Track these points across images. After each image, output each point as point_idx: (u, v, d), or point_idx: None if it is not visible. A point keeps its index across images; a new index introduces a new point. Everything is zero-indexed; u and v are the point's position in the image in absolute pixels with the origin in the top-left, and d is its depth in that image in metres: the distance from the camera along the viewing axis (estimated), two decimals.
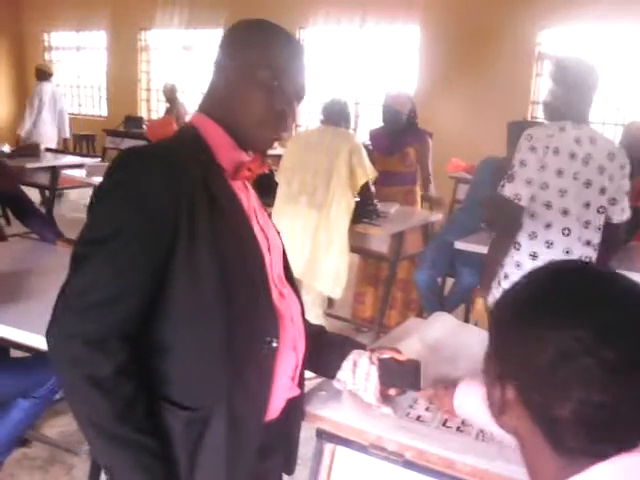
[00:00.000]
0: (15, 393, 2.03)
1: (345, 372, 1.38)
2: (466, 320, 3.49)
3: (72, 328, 1.04)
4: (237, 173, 1.20)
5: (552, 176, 2.31)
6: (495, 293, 2.46)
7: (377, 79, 7.97)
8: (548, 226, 2.35)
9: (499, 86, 6.71)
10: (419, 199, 4.25)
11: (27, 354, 2.10)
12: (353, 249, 3.52)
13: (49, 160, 5.61)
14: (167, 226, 1.06)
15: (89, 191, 6.05)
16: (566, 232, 2.34)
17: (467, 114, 6.85)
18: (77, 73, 11.27)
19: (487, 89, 6.77)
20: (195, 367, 1.13)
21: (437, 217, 4.09)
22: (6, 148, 5.46)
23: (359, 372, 1.37)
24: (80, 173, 5.21)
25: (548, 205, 2.34)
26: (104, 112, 10.89)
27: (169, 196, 1.06)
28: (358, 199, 3.45)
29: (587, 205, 2.35)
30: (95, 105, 11.19)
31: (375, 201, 3.57)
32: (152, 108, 10.36)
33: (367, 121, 7.70)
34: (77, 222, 5.13)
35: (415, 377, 1.36)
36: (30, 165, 5.28)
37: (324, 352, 1.39)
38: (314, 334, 1.37)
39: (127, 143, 8.78)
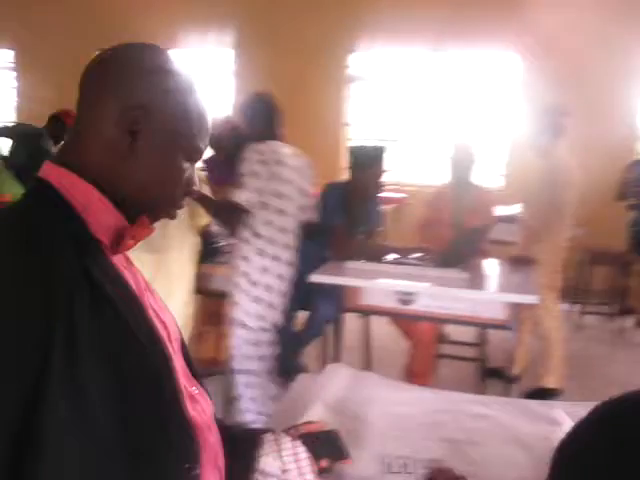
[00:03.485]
0: None
1: (269, 460, 1.12)
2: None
3: None
4: (119, 245, 0.89)
5: None
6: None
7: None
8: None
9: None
10: None
11: None
12: (196, 290, 3.20)
13: None
14: (44, 338, 0.73)
15: None
16: None
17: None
18: None
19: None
20: None
21: None
22: None
23: (285, 454, 1.13)
24: None
25: None
26: None
27: (47, 296, 0.75)
28: (200, 239, 3.12)
29: None
30: None
31: (217, 239, 3.30)
32: None
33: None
34: None
35: (340, 446, 1.21)
36: None
37: (231, 452, 1.10)
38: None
39: None
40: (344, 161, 6.98)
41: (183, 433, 0.90)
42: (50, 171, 0.88)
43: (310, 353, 3.54)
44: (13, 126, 5.88)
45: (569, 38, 5.97)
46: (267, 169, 2.87)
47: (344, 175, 6.64)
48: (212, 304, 3.87)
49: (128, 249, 0.93)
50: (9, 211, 0.87)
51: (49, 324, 0.73)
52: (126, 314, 0.84)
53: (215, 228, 3.27)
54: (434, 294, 2.85)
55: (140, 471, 0.82)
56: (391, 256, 3.28)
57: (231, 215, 2.93)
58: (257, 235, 2.92)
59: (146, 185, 0.90)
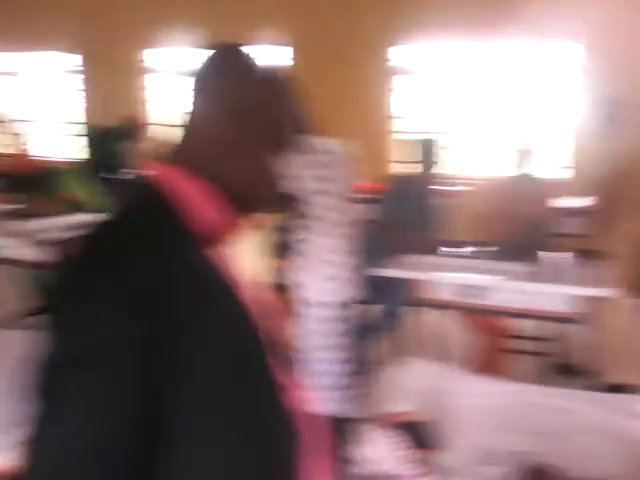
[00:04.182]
0: None
1: (363, 448, 1.16)
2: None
3: None
4: (221, 239, 0.93)
5: None
6: None
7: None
8: None
9: None
10: None
11: None
12: (270, 284, 3.28)
13: None
14: (160, 332, 0.78)
15: None
16: None
17: None
18: None
19: None
20: None
21: None
22: None
23: (379, 443, 1.17)
24: None
25: None
26: None
27: (161, 293, 0.79)
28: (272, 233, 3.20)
29: None
30: None
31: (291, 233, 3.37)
32: None
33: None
34: None
35: (432, 436, 1.27)
36: None
37: None
38: None
39: None
40: (390, 154, 6.99)
41: (283, 422, 0.94)
42: (156, 169, 0.93)
43: (378, 346, 3.57)
44: (90, 128, 6.09)
45: (631, 24, 5.81)
46: (319, 159, 2.92)
47: (391, 168, 6.71)
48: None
49: (229, 243, 0.96)
50: (117, 211, 0.91)
51: (159, 319, 0.78)
52: (228, 306, 0.89)
53: (288, 222, 3.33)
54: (504, 287, 2.84)
55: (246, 457, 0.88)
56: (452, 250, 3.29)
57: (287, 204, 2.99)
58: (319, 219, 2.97)
59: (249, 181, 0.95)
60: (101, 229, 0.88)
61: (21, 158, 4.31)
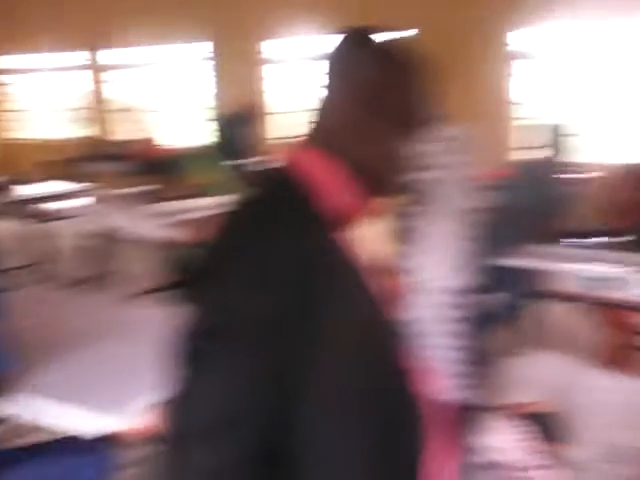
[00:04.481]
0: None
1: (489, 437, 1.15)
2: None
3: (194, 457, 0.80)
4: (350, 221, 0.95)
5: None
6: None
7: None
8: None
9: None
10: None
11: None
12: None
13: (33, 191, 5.29)
14: (294, 310, 0.83)
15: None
16: None
17: None
18: (51, 96, 10.90)
19: None
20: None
21: None
22: None
23: (505, 432, 1.15)
24: (67, 202, 4.94)
25: None
26: (77, 135, 10.51)
27: (295, 272, 0.83)
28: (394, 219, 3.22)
29: None
30: (67, 128, 10.80)
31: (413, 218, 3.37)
32: (119, 129, 10.05)
33: None
34: (70, 252, 4.84)
35: (559, 429, 1.24)
36: (19, 197, 4.99)
37: None
38: None
39: (108, 166, 8.54)
40: (512, 140, 6.75)
41: (409, 405, 0.96)
42: (289, 153, 0.96)
43: (499, 336, 3.49)
44: (217, 114, 6.34)
45: None
46: (442, 145, 2.86)
47: (512, 154, 6.48)
48: None
49: (356, 227, 0.98)
50: (255, 192, 0.95)
51: (291, 298, 0.82)
52: (355, 289, 0.91)
53: (409, 208, 3.32)
54: (635, 280, 2.70)
55: (371, 437, 0.90)
56: (579, 239, 3.15)
57: (410, 189, 2.95)
58: (440, 206, 2.93)
59: (380, 164, 0.96)
60: (238, 211, 0.93)
61: (149, 144, 4.57)
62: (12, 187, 5.20)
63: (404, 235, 3.28)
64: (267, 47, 8.29)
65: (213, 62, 8.79)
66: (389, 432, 0.93)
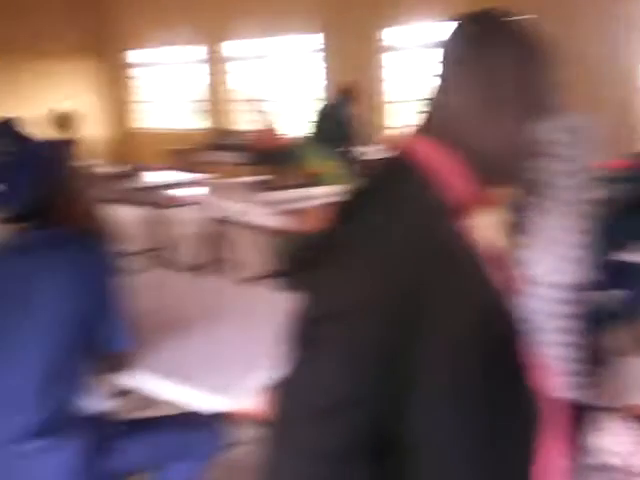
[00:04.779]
0: (171, 454, 1.86)
1: (604, 438, 1.11)
2: None
3: (305, 440, 0.82)
4: (464, 211, 0.93)
5: None
6: None
7: None
8: None
9: None
10: None
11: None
12: None
13: (159, 179, 5.58)
14: (411, 297, 0.82)
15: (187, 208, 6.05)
16: None
17: None
18: (174, 88, 11.43)
19: None
20: (448, 474, 0.89)
21: None
22: (119, 168, 5.50)
23: (622, 434, 1.10)
24: (190, 190, 5.17)
25: None
26: (200, 126, 10.95)
27: (412, 258, 0.83)
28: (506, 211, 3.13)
29: None
30: (190, 119, 11.27)
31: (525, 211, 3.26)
32: (238, 120, 10.35)
33: None
34: (186, 238, 5.05)
35: None
36: (142, 184, 5.28)
37: None
38: None
39: (225, 156, 8.86)
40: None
41: (527, 401, 0.94)
42: (410, 140, 0.95)
43: (617, 335, 3.33)
44: (325, 104, 6.41)
45: None
46: (562, 134, 2.73)
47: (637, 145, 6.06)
48: None
49: (473, 216, 0.96)
50: (372, 180, 0.96)
51: (409, 286, 0.82)
52: (476, 279, 0.90)
53: (523, 198, 3.22)
54: None
55: (495, 428, 0.89)
56: None
57: (527, 179, 2.84)
58: (556, 198, 2.81)
59: (499, 152, 0.92)
60: (355, 198, 0.94)
61: (267, 134, 4.67)
62: (137, 175, 5.50)
63: (517, 227, 3.20)
64: (387, 34, 8.23)
65: (323, 53, 8.88)
66: (504, 424, 0.91)
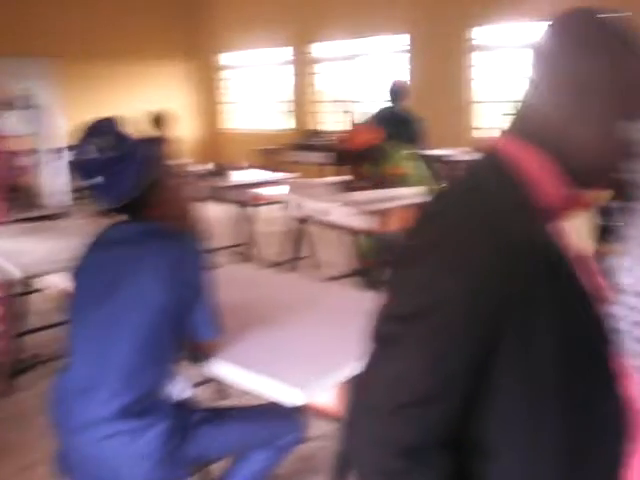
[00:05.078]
0: (252, 443, 1.92)
1: None
2: None
3: (380, 433, 0.83)
4: (556, 215, 0.92)
5: None
6: None
7: None
8: None
9: None
10: None
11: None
12: None
13: (247, 177, 5.72)
14: (495, 298, 0.81)
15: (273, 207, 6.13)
16: None
17: None
18: (263, 89, 11.65)
19: None
20: (525, 475, 0.88)
21: None
22: (207, 166, 5.66)
23: None
24: (275, 189, 5.26)
25: None
26: (286, 126, 11.13)
27: (498, 259, 0.82)
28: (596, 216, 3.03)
29: None
30: (280, 119, 11.46)
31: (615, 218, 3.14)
32: (324, 120, 10.45)
33: None
34: (269, 235, 5.14)
35: None
36: (230, 183, 5.41)
37: None
38: None
39: (311, 156, 8.97)
40: None
41: (617, 407, 0.91)
42: (499, 141, 0.94)
43: None
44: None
45: None
46: None
47: None
48: None
49: (568, 217, 0.95)
50: (460, 181, 0.95)
51: (504, 286, 0.81)
52: (568, 284, 0.88)
53: (613, 204, 3.10)
54: None
55: (573, 431, 0.87)
56: None
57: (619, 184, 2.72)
58: None
59: (592, 155, 0.90)
60: (442, 198, 0.94)
61: (352, 134, 4.68)
62: (224, 173, 5.65)
63: (606, 232, 3.08)
64: (477, 34, 8.08)
65: (409, 54, 8.82)
66: (591, 434, 0.89)
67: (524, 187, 0.89)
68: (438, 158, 6.75)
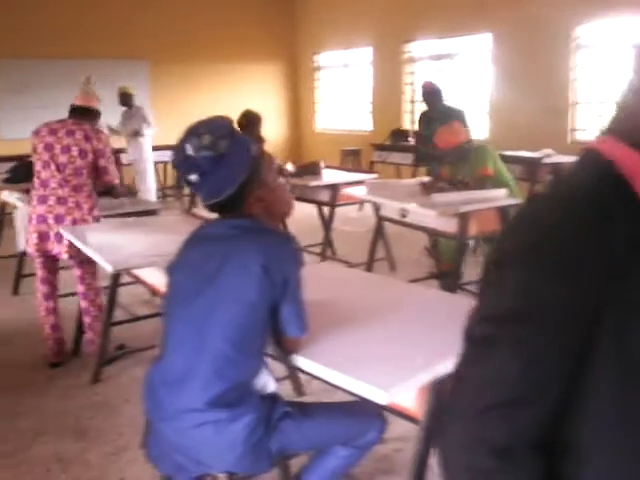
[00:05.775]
0: (334, 440, 1.93)
1: None
2: None
3: (471, 433, 0.83)
4: None
5: None
6: None
7: None
8: None
9: None
10: None
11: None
12: None
13: (329, 178, 5.76)
14: (594, 301, 0.80)
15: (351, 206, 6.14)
16: None
17: None
18: (345, 90, 11.71)
19: None
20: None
21: None
22: (290, 166, 5.71)
23: None
24: (355, 189, 5.26)
25: None
26: (370, 127, 11.12)
27: (600, 262, 0.80)
28: None
29: None
30: (362, 120, 11.47)
31: None
32: (413, 120, 10.35)
33: None
34: (345, 235, 5.14)
35: None
36: (313, 183, 5.46)
37: None
38: None
39: (393, 157, 8.93)
40: None
41: None
42: (599, 142, 0.91)
43: None
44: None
45: None
46: None
47: None
48: None
49: None
50: (562, 181, 0.93)
51: (604, 288, 0.79)
52: None
53: None
54: None
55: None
56: None
57: None
58: None
59: None
60: (542, 200, 0.92)
61: (441, 135, 4.63)
62: (316, 173, 5.65)
63: None
64: (582, 32, 7.76)
65: (491, 54, 8.62)
66: None
67: (626, 188, 0.86)
68: (538, 160, 6.63)
